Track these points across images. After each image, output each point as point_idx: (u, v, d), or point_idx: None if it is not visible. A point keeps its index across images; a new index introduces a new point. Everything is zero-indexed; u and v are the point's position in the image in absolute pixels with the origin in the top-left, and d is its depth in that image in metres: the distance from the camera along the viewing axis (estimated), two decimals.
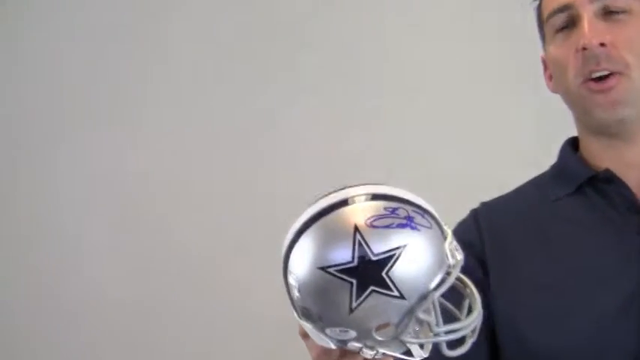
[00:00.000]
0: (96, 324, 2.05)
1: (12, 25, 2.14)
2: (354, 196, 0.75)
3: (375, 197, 0.75)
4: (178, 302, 2.02)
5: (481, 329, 0.79)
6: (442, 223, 0.78)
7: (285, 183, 1.96)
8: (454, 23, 1.94)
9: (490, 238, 1.04)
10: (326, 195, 0.77)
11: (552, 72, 1.04)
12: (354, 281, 0.72)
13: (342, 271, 0.72)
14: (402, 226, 0.73)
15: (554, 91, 1.05)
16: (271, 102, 2.02)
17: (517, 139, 1.86)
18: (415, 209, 0.75)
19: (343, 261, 0.72)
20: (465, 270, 0.79)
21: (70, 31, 2.11)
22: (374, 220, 0.73)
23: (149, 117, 2.09)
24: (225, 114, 2.04)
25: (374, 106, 1.96)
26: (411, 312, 0.74)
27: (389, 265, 0.72)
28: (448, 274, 0.76)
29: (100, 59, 2.09)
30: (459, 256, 0.78)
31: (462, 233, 0.95)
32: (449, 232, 0.79)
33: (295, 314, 0.79)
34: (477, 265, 1.01)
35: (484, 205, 1.10)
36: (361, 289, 0.72)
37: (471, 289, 0.80)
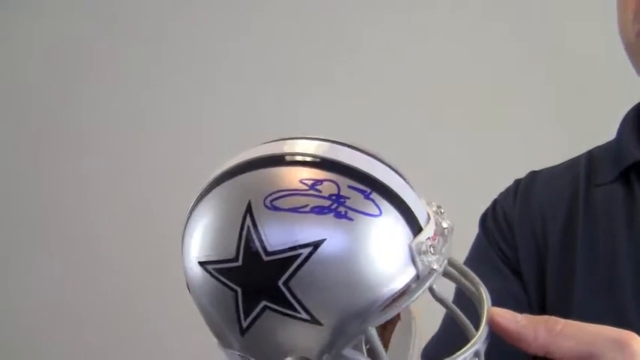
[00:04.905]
0: (100, 324, 1.89)
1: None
2: (282, 154, 0.48)
3: (319, 161, 0.47)
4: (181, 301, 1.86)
5: None
6: (414, 209, 0.48)
7: None
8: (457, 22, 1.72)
9: (520, 214, 0.82)
10: (260, 145, 0.51)
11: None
12: (239, 290, 0.46)
13: (221, 271, 0.46)
14: (319, 210, 0.45)
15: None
16: (277, 100, 1.82)
17: (520, 136, 1.65)
18: (356, 184, 0.46)
19: (224, 257, 0.46)
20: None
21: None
22: (277, 198, 0.45)
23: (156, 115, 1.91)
24: (236, 114, 1.84)
25: (376, 103, 1.75)
26: (330, 346, 0.47)
27: (289, 270, 0.44)
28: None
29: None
30: (436, 263, 0.48)
31: (503, 200, 0.85)
32: (431, 219, 0.49)
33: None
34: (506, 239, 0.84)
35: (531, 173, 0.88)
36: (249, 302, 0.46)
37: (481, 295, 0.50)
